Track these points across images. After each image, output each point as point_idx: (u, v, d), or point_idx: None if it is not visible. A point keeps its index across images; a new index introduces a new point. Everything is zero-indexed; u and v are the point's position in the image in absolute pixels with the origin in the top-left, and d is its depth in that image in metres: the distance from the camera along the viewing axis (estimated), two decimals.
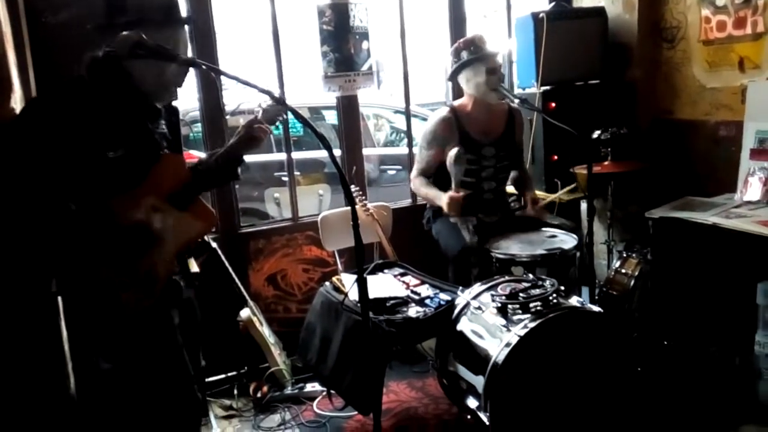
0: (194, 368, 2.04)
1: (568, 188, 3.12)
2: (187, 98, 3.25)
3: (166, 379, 1.92)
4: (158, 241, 1.79)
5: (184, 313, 1.98)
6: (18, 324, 2.05)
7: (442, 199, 2.88)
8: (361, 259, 1.73)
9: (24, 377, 2.08)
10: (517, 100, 2.89)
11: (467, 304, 2.49)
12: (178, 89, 1.86)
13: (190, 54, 1.82)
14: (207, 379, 3.00)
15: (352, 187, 3.22)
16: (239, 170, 2.04)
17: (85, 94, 1.71)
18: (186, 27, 1.81)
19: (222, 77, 2.91)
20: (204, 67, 1.61)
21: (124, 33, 1.60)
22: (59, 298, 2.26)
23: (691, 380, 2.75)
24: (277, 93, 1.94)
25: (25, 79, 2.49)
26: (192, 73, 2.90)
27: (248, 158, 5.12)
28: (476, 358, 2.31)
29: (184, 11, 1.84)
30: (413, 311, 2.57)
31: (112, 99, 1.73)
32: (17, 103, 2.25)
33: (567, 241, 2.83)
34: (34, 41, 2.34)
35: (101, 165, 1.70)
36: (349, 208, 3.18)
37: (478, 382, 2.24)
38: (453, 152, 2.86)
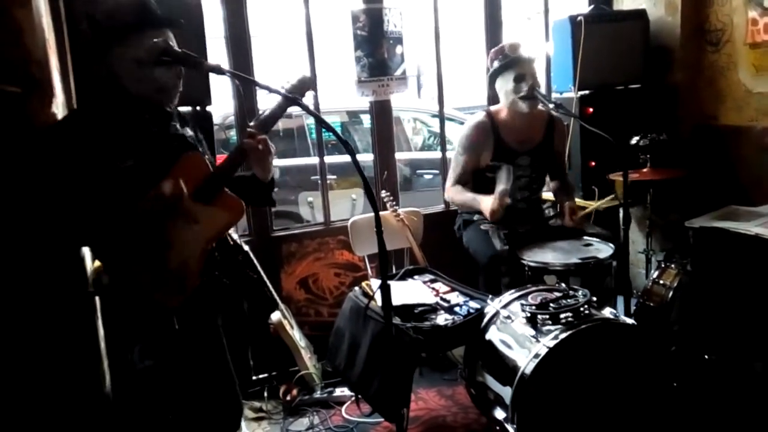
0: (242, 367, 2.07)
1: (606, 199, 3.04)
2: (227, 103, 3.31)
3: (208, 379, 1.95)
4: (183, 221, 1.81)
5: (230, 313, 2.01)
6: (54, 322, 2.12)
7: (484, 202, 2.83)
8: (384, 266, 1.73)
9: (59, 375, 2.14)
10: (551, 105, 2.83)
11: (497, 313, 2.45)
12: (177, 91, 1.87)
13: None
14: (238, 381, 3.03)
15: (383, 192, 3.22)
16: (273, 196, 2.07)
17: (91, 116, 1.78)
18: (169, 27, 1.81)
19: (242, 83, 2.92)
20: (227, 74, 1.63)
21: (154, 41, 1.63)
22: (96, 298, 2.33)
23: (733, 397, 2.64)
24: (303, 98, 1.93)
25: (66, 85, 2.58)
26: (228, 79, 2.94)
27: (287, 162, 5.17)
28: (504, 369, 2.27)
29: (165, 12, 1.83)
30: (442, 319, 2.54)
31: (115, 116, 1.78)
32: (59, 107, 2.32)
33: (603, 250, 2.76)
34: (74, 49, 2.40)
35: (116, 176, 1.74)
36: (380, 213, 3.19)
37: (506, 393, 2.20)
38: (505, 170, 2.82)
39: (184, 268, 1.82)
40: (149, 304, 1.78)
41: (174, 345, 1.84)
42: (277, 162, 5.08)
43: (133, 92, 1.80)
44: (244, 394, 2.11)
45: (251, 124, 1.96)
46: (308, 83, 1.86)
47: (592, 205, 3.10)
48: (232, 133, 3.49)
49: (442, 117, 3.63)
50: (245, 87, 2.85)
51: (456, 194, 3.07)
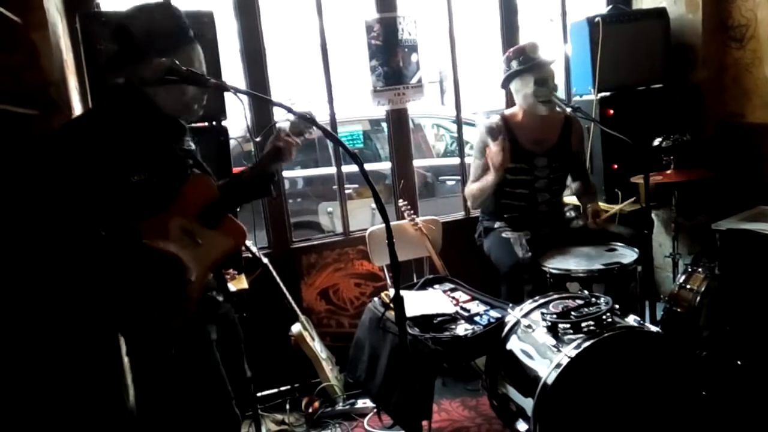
0: (239, 381, 2.05)
1: (629, 201, 2.96)
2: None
3: (202, 394, 1.92)
4: (188, 268, 1.76)
5: (222, 328, 1.99)
6: (77, 337, 2.14)
7: (491, 169, 2.80)
8: (397, 278, 1.70)
9: (82, 390, 2.16)
10: (569, 109, 2.78)
11: (517, 323, 2.41)
12: (200, 109, 1.85)
13: (204, 69, 1.80)
14: (259, 394, 3.02)
15: (401, 201, 3.20)
16: (272, 187, 2.04)
17: (104, 121, 1.72)
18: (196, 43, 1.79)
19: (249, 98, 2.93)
20: (232, 90, 1.63)
21: (160, 60, 1.64)
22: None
23: (764, 405, 2.55)
24: (314, 109, 1.92)
25: (85, 105, 2.62)
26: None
27: (308, 172, 5.16)
28: (526, 379, 2.23)
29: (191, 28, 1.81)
30: (461, 329, 2.51)
31: (132, 124, 1.74)
32: None
33: (627, 254, 2.69)
34: (90, 68, 2.44)
35: (126, 190, 1.70)
36: (398, 222, 3.17)
37: (528, 404, 2.16)
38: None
39: (184, 291, 1.77)
40: (147, 324, 1.76)
41: (169, 370, 1.82)
42: (298, 172, 5.08)
43: (161, 106, 1.78)
44: (244, 408, 2.09)
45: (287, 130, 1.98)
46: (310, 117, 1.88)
47: (614, 208, 3.03)
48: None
49: (459, 122, 3.60)
50: (256, 102, 2.87)
51: (472, 188, 3.02)
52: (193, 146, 1.94)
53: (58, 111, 2.26)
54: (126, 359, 2.44)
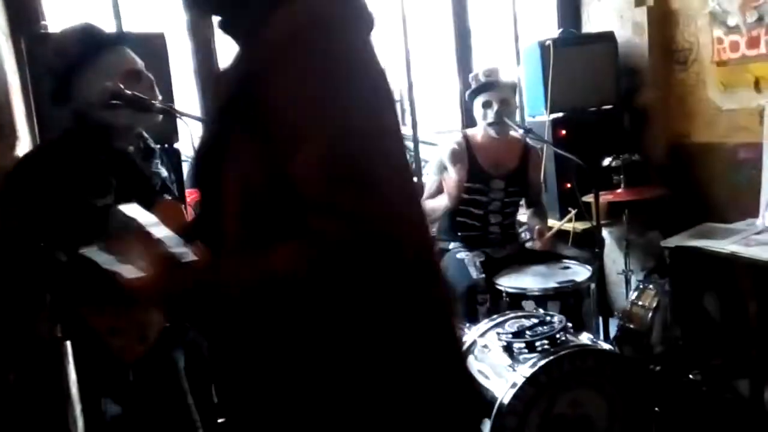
0: (206, 407, 2.01)
1: (566, 218, 3.02)
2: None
3: (168, 425, 1.89)
4: None
5: (189, 354, 1.96)
6: (22, 369, 2.06)
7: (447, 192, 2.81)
8: None
9: (28, 422, 2.08)
10: (521, 131, 2.83)
11: (474, 343, 2.41)
12: (135, 131, 1.84)
13: (141, 65, 1.81)
14: (219, 420, 2.95)
15: None
16: None
17: (61, 152, 1.71)
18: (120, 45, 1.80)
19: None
20: (178, 115, 1.61)
21: (106, 84, 1.61)
22: (67, 343, 2.27)
23: (716, 418, 2.61)
24: None
25: (32, 128, 2.55)
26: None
27: None
28: (483, 400, 2.22)
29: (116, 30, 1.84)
30: None
31: (90, 150, 1.72)
32: (24, 151, 2.29)
33: (580, 273, 2.73)
34: (37, 91, 2.37)
35: (90, 215, 1.64)
36: None
37: (484, 425, 2.16)
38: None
39: (147, 319, 1.76)
40: (105, 351, 1.72)
41: (132, 394, 1.78)
42: None
43: (111, 130, 1.76)
44: None
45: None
46: None
47: (556, 225, 3.07)
48: None
49: (416, 141, 3.62)
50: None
51: (425, 204, 3.03)
52: (163, 171, 1.90)
53: (3, 135, 2.20)
54: (74, 389, 2.36)
